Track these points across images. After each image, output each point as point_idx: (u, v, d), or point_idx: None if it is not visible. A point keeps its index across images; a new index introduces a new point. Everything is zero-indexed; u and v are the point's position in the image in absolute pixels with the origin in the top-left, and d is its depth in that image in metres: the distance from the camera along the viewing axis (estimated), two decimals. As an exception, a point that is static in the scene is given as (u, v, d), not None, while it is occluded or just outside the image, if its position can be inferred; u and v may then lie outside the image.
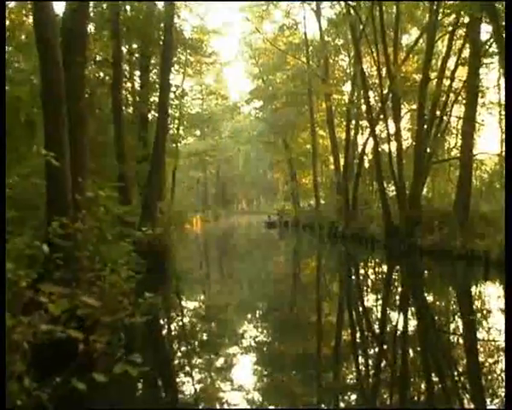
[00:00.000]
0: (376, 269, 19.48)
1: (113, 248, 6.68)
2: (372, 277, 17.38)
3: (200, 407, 5.68)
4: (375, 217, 25.82)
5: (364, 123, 33.12)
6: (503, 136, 26.05)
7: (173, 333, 9.63)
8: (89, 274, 6.14)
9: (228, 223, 60.50)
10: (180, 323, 10.46)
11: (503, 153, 21.48)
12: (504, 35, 8.01)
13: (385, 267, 19.80)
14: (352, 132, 31.53)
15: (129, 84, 25.23)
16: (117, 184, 8.27)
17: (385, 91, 23.37)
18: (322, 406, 5.91)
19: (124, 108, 22.88)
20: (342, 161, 33.13)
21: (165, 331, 9.76)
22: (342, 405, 5.92)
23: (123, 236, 7.72)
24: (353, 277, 17.40)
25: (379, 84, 22.92)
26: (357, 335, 9.38)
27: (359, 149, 31.79)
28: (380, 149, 32.05)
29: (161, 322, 10.14)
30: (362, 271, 19.09)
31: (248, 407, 5.58)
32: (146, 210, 16.87)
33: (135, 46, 24.26)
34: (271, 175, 70.34)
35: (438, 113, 22.67)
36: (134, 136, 21.38)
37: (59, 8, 11.64)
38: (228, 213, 72.70)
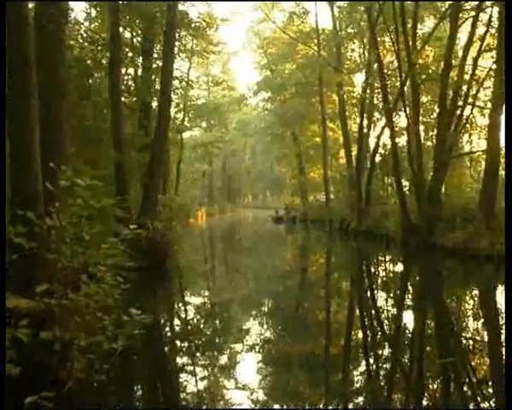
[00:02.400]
0: (391, 268, 18.07)
1: (93, 250, 5.35)
2: (386, 276, 16.01)
3: (200, 408, 5.32)
4: (389, 213, 24.40)
5: (376, 115, 31.77)
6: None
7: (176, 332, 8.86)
8: (54, 284, 4.82)
9: (233, 217, 59.65)
10: (182, 324, 9.42)
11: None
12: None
13: (401, 267, 18.37)
14: (365, 124, 29.91)
15: (131, 70, 23.97)
16: (103, 172, 6.92)
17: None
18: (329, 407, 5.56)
19: (126, 95, 21.66)
20: (353, 155, 31.92)
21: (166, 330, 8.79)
22: (351, 406, 5.56)
23: (110, 234, 6.40)
24: (365, 275, 16.23)
25: (398, 70, 21.35)
26: (368, 336, 8.68)
27: (371, 141, 30.51)
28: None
29: (161, 321, 8.96)
30: (375, 269, 17.80)
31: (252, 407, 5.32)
32: (146, 203, 15.56)
33: (138, 31, 22.95)
34: (278, 169, 68.80)
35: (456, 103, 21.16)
36: (135, 123, 20.09)
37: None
38: (233, 207, 71.80)
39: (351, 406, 5.55)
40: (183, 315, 10.44)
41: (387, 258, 20.39)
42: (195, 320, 9.92)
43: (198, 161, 59.08)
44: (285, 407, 5.48)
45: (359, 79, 36.32)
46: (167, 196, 20.55)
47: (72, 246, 5.29)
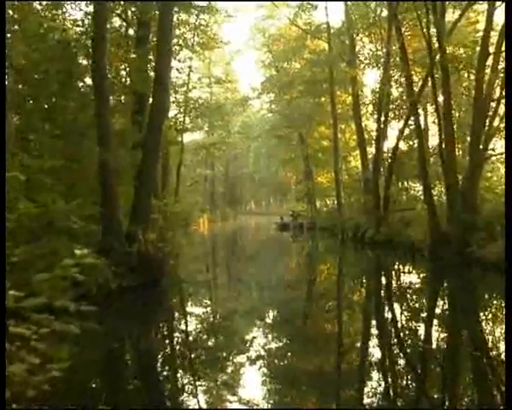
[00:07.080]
0: (418, 284, 15.39)
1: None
2: (412, 293, 13.52)
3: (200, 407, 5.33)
4: (413, 220, 21.87)
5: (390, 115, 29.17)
6: None
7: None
8: None
9: (236, 224, 57.80)
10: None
11: None
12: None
13: (431, 282, 15.78)
14: (382, 119, 27.05)
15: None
16: (58, 162, 4.45)
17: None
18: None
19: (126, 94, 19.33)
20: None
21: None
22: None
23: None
24: (385, 291, 14.31)
25: (429, 57, 18.71)
26: (386, 358, 7.67)
27: (386, 142, 28.06)
28: (410, 143, 28.26)
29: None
30: (397, 284, 15.34)
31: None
32: (137, 209, 13.09)
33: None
34: (282, 174, 66.31)
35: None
36: (128, 119, 17.71)
37: None
38: (236, 214, 69.64)
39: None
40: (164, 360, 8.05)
41: (412, 272, 17.88)
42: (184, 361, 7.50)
43: (199, 166, 56.81)
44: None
45: (370, 77, 34.00)
46: (164, 201, 18.13)
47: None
